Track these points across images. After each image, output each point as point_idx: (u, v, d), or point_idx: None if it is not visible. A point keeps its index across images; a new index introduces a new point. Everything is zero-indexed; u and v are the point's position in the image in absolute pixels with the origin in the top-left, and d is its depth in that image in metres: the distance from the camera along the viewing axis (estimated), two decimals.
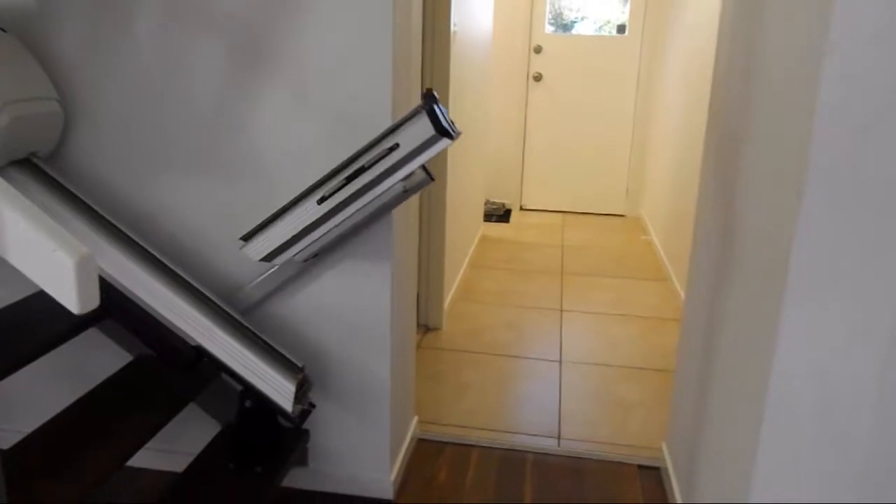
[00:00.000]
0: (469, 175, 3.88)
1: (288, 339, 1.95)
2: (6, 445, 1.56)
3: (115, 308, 1.73)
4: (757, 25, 1.54)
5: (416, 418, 2.38)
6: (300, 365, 1.80)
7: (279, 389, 1.72)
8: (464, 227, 3.92)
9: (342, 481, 2.06)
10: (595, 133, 5.34)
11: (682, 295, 3.28)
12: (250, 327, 1.78)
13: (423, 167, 1.66)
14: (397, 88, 1.78)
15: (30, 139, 1.74)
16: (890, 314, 1.19)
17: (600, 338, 3.24)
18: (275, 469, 1.82)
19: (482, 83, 4.17)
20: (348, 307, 1.90)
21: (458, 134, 1.61)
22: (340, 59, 1.72)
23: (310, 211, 1.66)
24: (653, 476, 2.21)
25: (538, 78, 5.30)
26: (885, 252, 1.17)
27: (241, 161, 1.84)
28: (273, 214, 1.70)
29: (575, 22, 5.37)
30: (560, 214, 5.48)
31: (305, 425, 2.02)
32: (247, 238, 1.73)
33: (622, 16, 5.20)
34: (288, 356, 1.79)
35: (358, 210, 1.66)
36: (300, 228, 1.68)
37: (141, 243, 1.76)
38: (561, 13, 5.35)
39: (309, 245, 1.71)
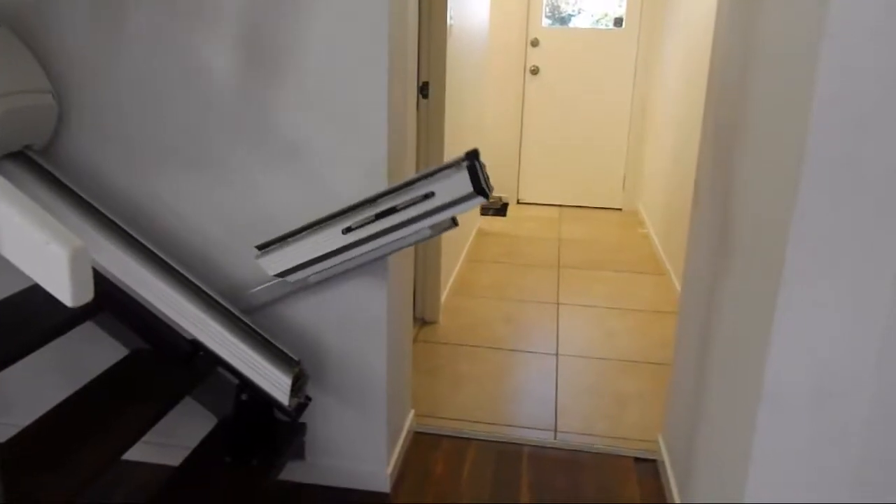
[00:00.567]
0: None
1: (284, 333, 1.94)
2: (2, 439, 1.56)
3: (110, 302, 1.73)
4: (754, 17, 1.54)
5: (412, 411, 2.38)
6: (296, 358, 1.80)
7: (275, 383, 1.72)
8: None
9: (339, 474, 2.06)
10: (592, 126, 5.33)
11: (679, 288, 3.29)
12: (246, 321, 1.78)
13: None
14: (393, 81, 1.77)
15: (24, 132, 1.73)
16: (886, 306, 1.19)
17: (597, 331, 3.24)
18: (271, 462, 1.82)
19: (479, 77, 4.16)
20: (344, 301, 1.90)
21: (492, 191, 1.60)
22: (336, 52, 1.72)
23: (334, 238, 1.65)
24: (649, 469, 2.21)
25: (535, 71, 5.28)
26: (881, 244, 1.17)
27: (238, 154, 1.83)
28: (294, 231, 1.69)
29: (572, 15, 5.35)
30: (557, 208, 5.48)
31: (302, 419, 2.02)
32: (263, 248, 1.72)
33: (619, 9, 5.18)
34: (284, 350, 1.79)
35: (382, 246, 1.65)
36: (321, 253, 1.67)
37: (136, 237, 1.75)
38: (558, 6, 5.33)
39: (326, 270, 1.71)
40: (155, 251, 1.75)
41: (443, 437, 2.35)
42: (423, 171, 1.59)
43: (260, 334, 1.77)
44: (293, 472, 2.07)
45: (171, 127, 1.83)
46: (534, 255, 4.30)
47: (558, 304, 3.55)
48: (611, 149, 5.36)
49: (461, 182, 1.55)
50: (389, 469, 2.06)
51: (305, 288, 1.86)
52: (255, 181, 1.84)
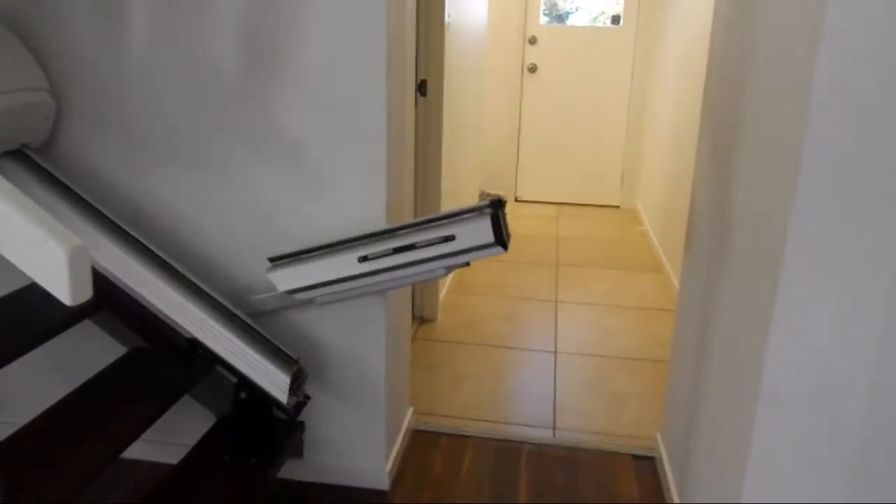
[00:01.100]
0: (464, 167, 3.87)
1: (283, 331, 1.94)
2: (1, 437, 1.55)
3: (109, 300, 1.73)
4: (752, 15, 1.54)
5: (411, 409, 2.39)
6: (295, 356, 1.80)
7: (274, 381, 1.72)
8: None
9: (338, 472, 2.07)
10: (590, 124, 5.33)
11: (677, 286, 3.29)
12: (245, 319, 1.77)
13: None
14: (391, 80, 1.77)
15: (21, 130, 1.73)
16: (884, 303, 1.20)
17: (595, 329, 3.24)
18: (270, 460, 1.82)
19: (477, 75, 4.16)
20: None
21: (510, 240, 1.60)
22: (335, 49, 1.72)
23: (349, 264, 1.65)
24: (647, 466, 2.21)
25: (533, 69, 5.28)
26: (880, 242, 1.17)
27: (237, 153, 1.83)
28: (308, 249, 1.70)
29: (570, 13, 5.35)
30: (555, 206, 5.48)
31: (301, 417, 2.02)
32: (275, 261, 1.72)
33: (617, 6, 5.18)
34: (283, 348, 1.79)
35: (395, 279, 1.65)
36: (333, 278, 1.67)
37: (135, 235, 1.75)
38: (555, 4, 5.33)
39: (336, 293, 1.71)
40: (153, 249, 1.75)
41: (441, 435, 2.35)
42: (446, 212, 1.59)
43: (258, 332, 1.77)
44: (292, 471, 2.07)
45: (169, 125, 1.83)
46: (532, 253, 4.30)
47: (556, 301, 3.55)
48: (609, 146, 5.36)
49: (483, 229, 1.54)
50: (388, 467, 2.07)
51: (309, 303, 1.86)
52: (255, 180, 1.84)
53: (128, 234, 1.74)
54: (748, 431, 1.33)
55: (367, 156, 1.78)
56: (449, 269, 1.64)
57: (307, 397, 1.94)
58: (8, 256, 0.96)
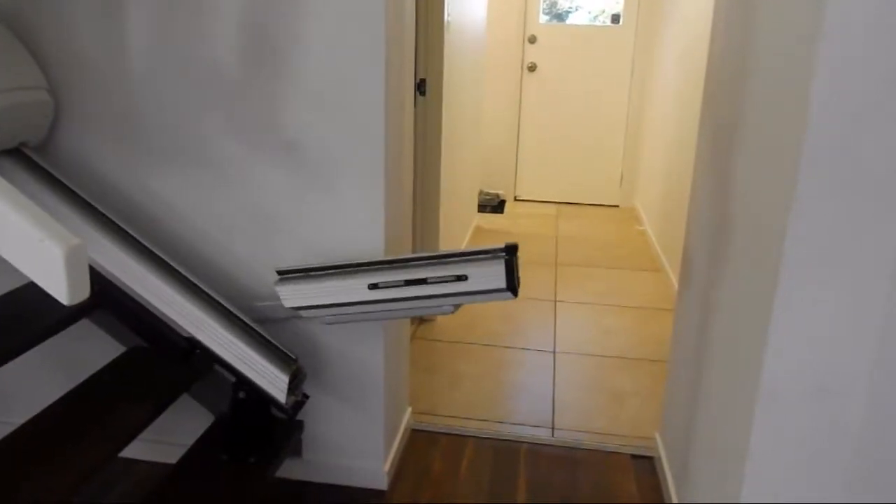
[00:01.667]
0: (463, 166, 3.87)
1: (281, 331, 1.94)
2: None
3: (107, 299, 1.72)
4: (751, 13, 1.53)
5: (409, 409, 2.38)
6: (293, 356, 1.79)
7: (273, 380, 1.72)
8: (458, 218, 3.92)
9: (336, 472, 2.06)
10: (589, 123, 5.33)
11: (676, 285, 3.29)
12: (244, 318, 1.77)
13: None
14: (391, 79, 1.77)
15: (19, 129, 1.72)
16: (883, 302, 1.19)
17: (594, 328, 3.24)
18: (268, 460, 1.82)
19: (476, 74, 4.16)
20: None
21: (519, 286, 1.60)
22: (334, 49, 1.71)
23: (358, 290, 1.64)
24: (646, 465, 2.21)
25: (532, 68, 5.28)
26: (879, 240, 1.17)
27: (235, 152, 1.82)
28: (317, 268, 1.69)
29: (569, 11, 5.35)
30: (554, 205, 5.48)
31: (300, 416, 2.02)
32: (283, 274, 1.72)
33: (616, 5, 5.18)
34: (281, 347, 1.78)
35: (403, 310, 1.65)
36: (341, 301, 1.67)
37: (133, 234, 1.74)
38: (555, 2, 5.33)
39: (342, 316, 1.70)
40: (152, 248, 1.75)
41: (440, 435, 2.35)
42: (461, 250, 1.59)
43: (257, 332, 1.77)
44: (291, 470, 2.07)
45: (168, 125, 1.83)
46: (531, 253, 4.30)
47: (555, 301, 3.55)
48: (608, 145, 5.36)
49: (496, 274, 1.54)
50: (387, 466, 2.06)
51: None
52: (254, 180, 1.83)
53: (126, 233, 1.73)
54: (747, 431, 1.33)
55: (366, 155, 1.77)
56: (457, 306, 1.64)
57: (306, 396, 1.94)
58: (5, 255, 0.96)
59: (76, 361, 2.03)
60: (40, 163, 1.75)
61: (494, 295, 1.57)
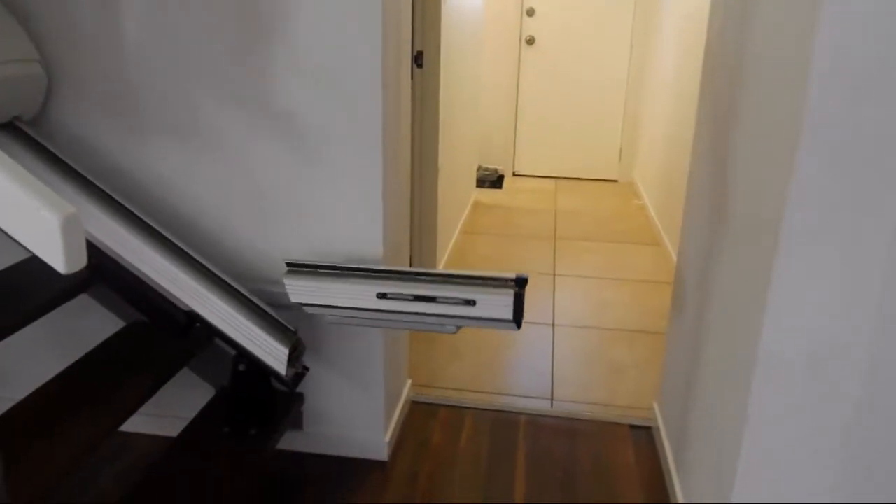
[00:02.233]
0: (461, 141, 3.85)
1: (280, 303, 1.94)
2: (0, 411, 1.56)
3: (106, 274, 1.72)
4: None
5: (409, 381, 2.40)
6: (293, 328, 1.80)
7: (272, 353, 1.72)
8: (456, 193, 3.91)
9: (337, 443, 2.08)
10: (588, 97, 5.29)
11: (675, 258, 3.29)
12: (243, 291, 1.77)
13: None
14: (387, 52, 1.75)
15: (12, 102, 1.71)
16: (881, 269, 1.19)
17: (593, 301, 3.25)
18: (269, 431, 1.83)
19: (474, 47, 4.12)
20: None
21: (523, 318, 1.63)
22: (330, 21, 1.69)
23: (366, 297, 1.66)
24: (644, 435, 2.23)
25: (531, 42, 5.23)
26: (877, 208, 1.16)
27: (231, 126, 1.81)
28: (327, 266, 1.71)
29: None
30: (553, 180, 5.46)
31: (300, 389, 2.03)
32: (292, 267, 1.74)
33: None
34: (281, 320, 1.79)
35: (407, 322, 1.67)
36: (348, 305, 1.68)
37: (129, 207, 1.74)
38: None
39: (346, 318, 1.72)
40: (148, 222, 1.74)
41: (440, 407, 2.36)
42: (472, 273, 1.62)
43: (256, 305, 1.77)
44: (292, 442, 2.09)
45: (162, 97, 1.81)
46: (530, 227, 4.29)
47: (554, 275, 3.55)
48: (607, 120, 5.33)
49: (503, 304, 1.57)
50: (387, 437, 2.08)
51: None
52: (248, 152, 1.82)
53: (122, 206, 1.73)
54: (744, 398, 1.34)
55: (362, 128, 1.76)
56: (459, 328, 1.67)
57: (306, 369, 1.95)
58: (1, 225, 0.96)
59: (75, 337, 2.03)
60: (35, 136, 1.74)
61: (499, 324, 1.61)
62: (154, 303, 1.77)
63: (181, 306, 1.74)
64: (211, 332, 1.75)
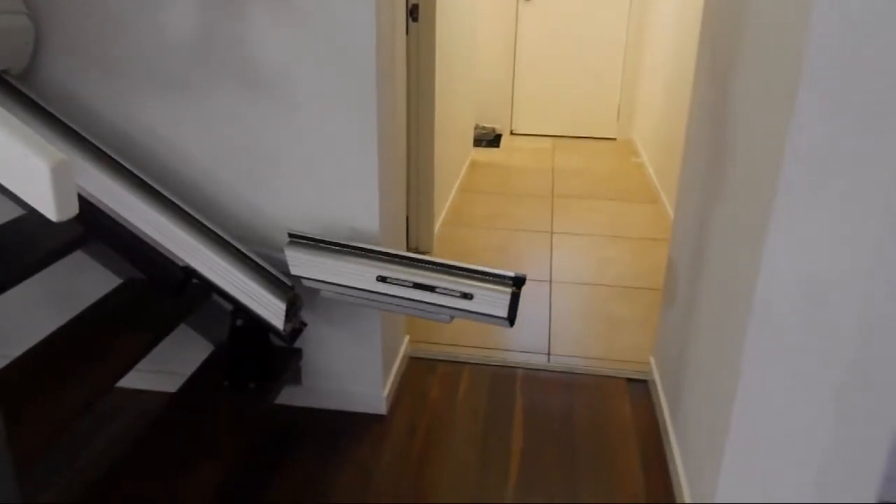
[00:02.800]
0: (458, 99, 3.81)
1: (278, 258, 1.94)
2: None
3: (101, 230, 1.71)
4: None
5: (407, 337, 2.41)
6: (290, 283, 1.80)
7: (270, 308, 1.72)
8: (453, 152, 3.88)
9: (336, 397, 2.10)
10: (586, 55, 5.22)
11: (672, 215, 3.28)
12: (239, 246, 1.77)
13: None
14: (381, 10, 1.71)
15: (1, 55, 1.68)
16: (878, 219, 1.19)
17: (591, 258, 3.25)
18: (268, 386, 1.85)
19: (471, 4, 4.05)
20: (338, 227, 1.89)
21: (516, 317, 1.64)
22: None
23: (366, 278, 1.68)
24: (640, 388, 2.25)
25: None
26: (877, 156, 1.15)
27: (222, 78, 1.78)
28: (329, 242, 1.73)
29: None
30: (551, 139, 5.42)
31: (298, 345, 2.04)
32: (294, 238, 1.75)
33: None
34: (278, 275, 1.78)
35: (403, 307, 1.68)
36: (346, 284, 1.70)
37: (123, 163, 1.72)
38: None
39: (342, 295, 1.73)
40: (141, 176, 1.72)
41: (438, 362, 2.38)
42: (472, 266, 1.64)
43: (253, 260, 1.76)
44: (291, 397, 2.10)
45: (152, 50, 1.78)
46: (527, 186, 4.28)
47: (552, 233, 3.55)
48: (605, 78, 5.27)
49: (500, 302, 1.59)
50: (385, 392, 2.09)
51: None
52: (239, 107, 1.80)
53: (114, 160, 1.71)
54: (739, 348, 1.34)
55: (356, 86, 1.73)
56: (453, 318, 1.69)
57: (304, 324, 1.95)
58: None
59: (72, 294, 2.03)
60: (24, 90, 1.71)
61: (493, 320, 1.62)
62: (150, 258, 1.76)
63: (178, 262, 1.74)
64: (208, 288, 1.75)
